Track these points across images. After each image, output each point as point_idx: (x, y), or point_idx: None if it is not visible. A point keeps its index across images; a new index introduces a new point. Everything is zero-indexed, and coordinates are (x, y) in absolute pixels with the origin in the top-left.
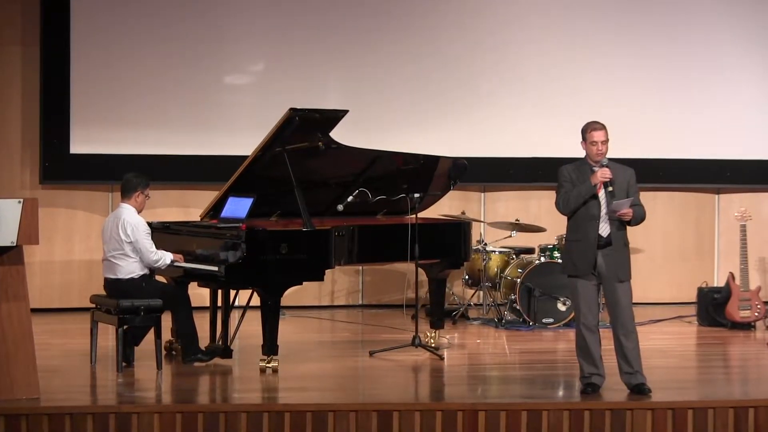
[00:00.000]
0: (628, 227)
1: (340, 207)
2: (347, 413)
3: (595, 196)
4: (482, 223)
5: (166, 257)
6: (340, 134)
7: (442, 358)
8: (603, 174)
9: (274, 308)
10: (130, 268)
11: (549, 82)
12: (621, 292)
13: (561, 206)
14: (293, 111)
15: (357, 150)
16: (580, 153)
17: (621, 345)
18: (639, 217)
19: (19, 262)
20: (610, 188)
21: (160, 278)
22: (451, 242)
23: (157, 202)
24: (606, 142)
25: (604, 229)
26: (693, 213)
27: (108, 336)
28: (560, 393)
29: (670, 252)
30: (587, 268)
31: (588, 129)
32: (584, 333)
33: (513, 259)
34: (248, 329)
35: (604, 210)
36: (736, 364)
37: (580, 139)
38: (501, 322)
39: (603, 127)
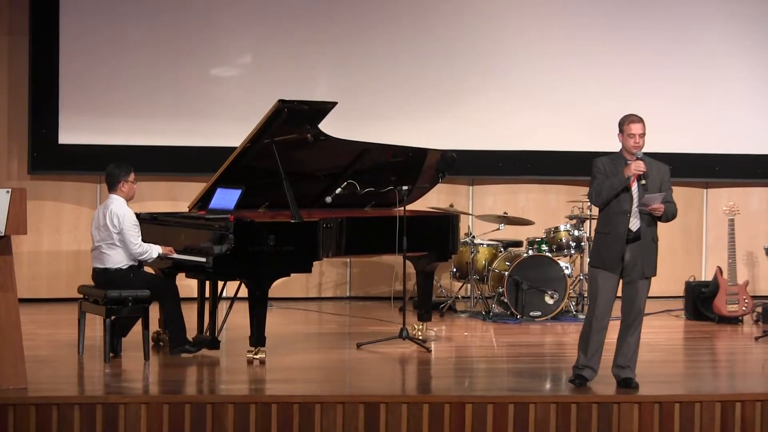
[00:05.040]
0: (659, 224)
1: (329, 199)
2: (334, 405)
3: (628, 189)
4: (470, 216)
5: (152, 251)
6: (328, 126)
7: (429, 351)
8: (637, 166)
9: (261, 300)
10: (117, 258)
11: (538, 75)
12: (641, 288)
13: (593, 198)
14: (282, 103)
15: (345, 142)
16: (570, 147)
17: (624, 339)
18: (670, 214)
19: (6, 252)
20: (643, 182)
21: (148, 269)
22: (439, 235)
23: (145, 193)
24: (643, 135)
25: (634, 224)
26: (681, 207)
27: (95, 326)
28: (547, 386)
29: (659, 246)
30: (615, 261)
31: (626, 121)
32: (592, 326)
33: (501, 252)
34: (236, 320)
35: (635, 205)
36: (724, 359)
37: (617, 132)
38: (488, 315)
39: (640, 120)
